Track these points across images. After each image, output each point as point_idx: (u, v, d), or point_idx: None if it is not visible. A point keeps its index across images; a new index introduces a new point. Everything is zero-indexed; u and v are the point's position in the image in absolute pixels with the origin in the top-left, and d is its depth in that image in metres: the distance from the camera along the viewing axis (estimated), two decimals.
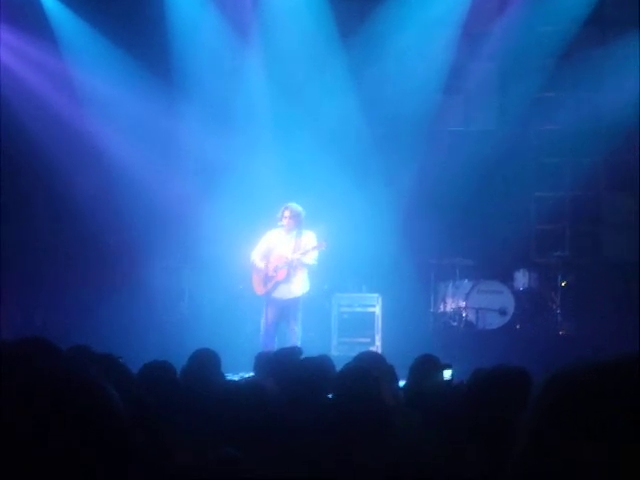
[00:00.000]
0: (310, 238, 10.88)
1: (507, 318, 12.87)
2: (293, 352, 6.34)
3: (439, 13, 13.22)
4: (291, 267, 10.90)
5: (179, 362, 6.06)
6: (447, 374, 5.73)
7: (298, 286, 10.99)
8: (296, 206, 10.93)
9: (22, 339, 3.33)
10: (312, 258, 10.90)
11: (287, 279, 10.94)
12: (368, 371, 4.20)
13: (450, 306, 13.38)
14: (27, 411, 1.57)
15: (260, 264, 11.00)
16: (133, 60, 12.90)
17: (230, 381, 5.71)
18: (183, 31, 13.31)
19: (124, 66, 12.91)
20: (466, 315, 13.06)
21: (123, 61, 12.95)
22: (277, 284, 10.96)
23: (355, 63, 13.25)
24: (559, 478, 1.37)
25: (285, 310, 11.00)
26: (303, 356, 6.24)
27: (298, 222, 10.90)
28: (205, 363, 5.94)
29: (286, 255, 10.91)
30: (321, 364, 5.52)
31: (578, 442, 1.35)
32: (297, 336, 10.90)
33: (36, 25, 12.93)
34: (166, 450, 2.66)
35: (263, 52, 13.50)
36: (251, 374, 6.84)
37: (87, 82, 13.22)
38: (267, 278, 10.97)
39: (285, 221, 10.88)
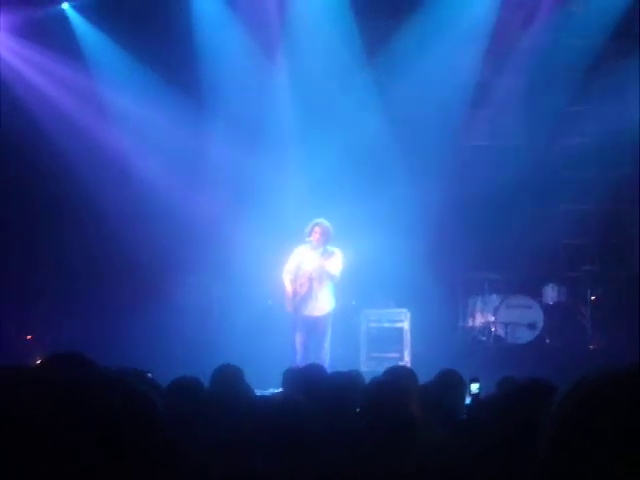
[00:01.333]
0: (335, 253, 10.91)
1: (536, 332, 12.81)
2: (319, 368, 6.35)
3: (465, 28, 13.24)
4: (313, 280, 10.90)
5: (208, 379, 6.08)
6: (474, 387, 5.73)
7: (324, 302, 11.00)
8: (326, 222, 10.96)
9: (58, 354, 3.36)
10: (333, 267, 10.88)
11: (311, 294, 10.94)
12: (396, 383, 4.21)
13: (479, 321, 13.35)
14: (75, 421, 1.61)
15: (289, 281, 11.03)
16: (161, 78, 13.03)
17: (257, 395, 5.73)
18: (210, 48, 13.41)
19: (152, 84, 13.04)
20: (495, 330, 13.02)
21: (151, 79, 13.08)
22: (303, 300, 10.97)
23: (381, 79, 13.29)
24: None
25: (314, 327, 11.00)
26: (331, 371, 6.24)
27: (327, 238, 10.92)
28: (228, 378, 5.95)
29: (309, 270, 10.93)
30: (350, 379, 5.53)
31: (597, 450, 1.36)
32: (326, 352, 10.90)
33: (64, 44, 13.08)
34: (200, 463, 2.69)
35: (289, 69, 13.58)
36: (280, 390, 6.86)
37: (115, 101, 13.36)
38: (294, 294, 11.00)
39: (315, 236, 10.90)
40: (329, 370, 9.59)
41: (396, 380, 4.37)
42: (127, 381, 1.86)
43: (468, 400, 6.09)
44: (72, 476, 1.59)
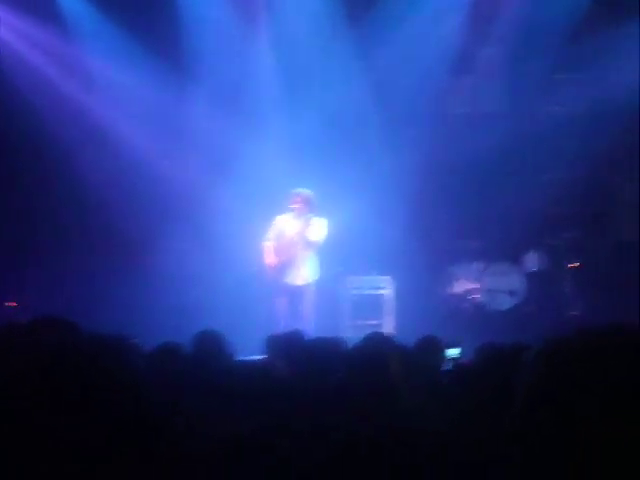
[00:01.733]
0: (319, 221, 10.92)
1: (517, 299, 12.90)
2: (300, 334, 6.39)
3: None
4: (297, 246, 10.92)
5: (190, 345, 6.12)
6: (455, 352, 5.78)
7: (307, 271, 11.03)
8: (306, 191, 10.98)
9: (45, 318, 3.40)
10: (314, 234, 10.89)
11: (294, 262, 10.96)
12: (377, 349, 4.25)
13: (461, 288, 13.42)
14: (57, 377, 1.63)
15: (270, 248, 11.05)
16: (143, 45, 12.96)
17: (238, 360, 5.77)
18: (192, 15, 13.34)
19: (134, 51, 12.97)
20: (476, 296, 13.10)
21: (132, 46, 13.01)
22: (285, 267, 10.99)
23: (363, 47, 13.25)
24: (554, 431, 1.42)
25: (296, 295, 11.04)
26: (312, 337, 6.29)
27: (309, 207, 10.94)
28: (209, 343, 5.99)
29: (292, 238, 10.95)
30: (331, 344, 5.57)
31: (571, 396, 1.40)
32: (309, 321, 10.94)
33: (46, 11, 12.99)
34: (183, 429, 2.73)
35: (271, 35, 13.52)
36: (263, 357, 6.90)
37: (97, 68, 13.30)
38: (277, 263, 11.01)
39: (296, 206, 10.93)
40: (313, 335, 9.68)
41: (376, 346, 4.41)
42: (112, 346, 1.90)
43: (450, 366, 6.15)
44: (57, 439, 1.62)
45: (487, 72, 13.84)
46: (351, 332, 11.78)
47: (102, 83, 13.28)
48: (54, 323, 3.39)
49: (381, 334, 6.63)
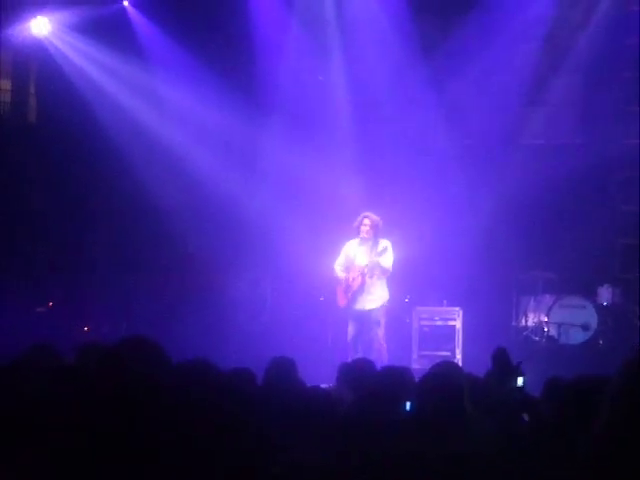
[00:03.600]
0: (386, 245, 10.91)
1: (590, 333, 12.70)
2: (368, 363, 6.39)
3: (522, 26, 13.18)
4: (365, 275, 10.92)
5: (260, 371, 6.16)
6: (520, 381, 5.72)
7: (377, 296, 11.01)
8: (374, 215, 10.99)
9: (126, 339, 3.47)
10: (387, 261, 10.88)
11: (364, 289, 10.95)
12: (451, 379, 4.24)
13: (532, 320, 13.27)
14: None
15: (341, 275, 11.07)
16: (218, 75, 13.16)
17: (308, 387, 5.78)
18: (267, 45, 13.51)
19: (209, 81, 13.18)
20: (548, 330, 12.94)
21: (208, 76, 13.22)
22: (355, 295, 10.99)
23: (437, 76, 13.28)
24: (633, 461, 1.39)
25: (366, 320, 11.02)
26: (381, 367, 6.28)
27: (376, 231, 10.94)
28: (282, 370, 6.03)
29: (361, 264, 10.95)
30: (399, 375, 5.56)
31: None
32: (381, 344, 10.90)
33: (124, 41, 13.28)
34: (249, 452, 2.76)
35: (345, 65, 13.62)
36: (331, 385, 6.91)
37: (174, 97, 13.53)
38: (347, 289, 11.03)
39: (364, 229, 10.92)
40: (387, 362, 9.67)
41: (448, 373, 4.40)
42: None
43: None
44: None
45: (561, 103, 13.74)
46: (420, 362, 11.75)
47: (178, 112, 13.50)
48: (141, 345, 3.46)
49: (450, 362, 6.61)
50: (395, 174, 13.03)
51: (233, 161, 13.44)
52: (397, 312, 11.89)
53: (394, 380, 5.33)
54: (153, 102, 13.48)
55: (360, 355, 10.48)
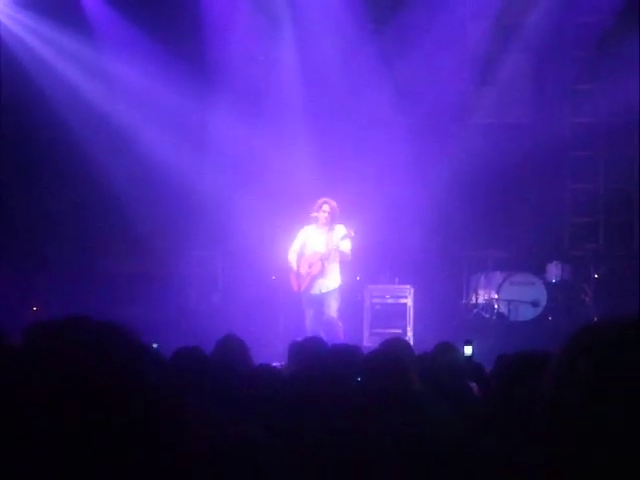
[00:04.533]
0: (341, 231, 10.92)
1: (539, 310, 12.84)
2: (319, 341, 6.40)
3: (473, 3, 13.21)
4: (325, 261, 10.94)
5: (211, 350, 6.13)
6: (468, 350, 5.78)
7: (332, 280, 11.04)
8: (332, 201, 10.98)
9: (69, 317, 3.42)
10: (345, 247, 10.91)
11: (322, 274, 10.98)
12: (396, 355, 4.25)
13: (482, 298, 13.37)
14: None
15: (296, 261, 11.05)
16: (166, 50, 13.02)
17: (258, 366, 5.78)
18: (216, 21, 13.39)
19: (158, 57, 13.04)
20: (498, 307, 13.05)
21: (156, 51, 13.07)
22: (313, 280, 11.00)
23: (388, 54, 13.27)
24: (581, 432, 1.39)
25: (321, 304, 11.04)
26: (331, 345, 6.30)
27: (334, 217, 10.94)
28: (232, 348, 6.02)
29: (319, 250, 10.95)
30: (350, 352, 5.58)
31: (599, 395, 1.38)
32: (337, 325, 10.93)
33: (71, 16, 13.09)
34: (187, 424, 2.74)
35: (296, 42, 13.56)
36: (283, 363, 6.91)
37: (121, 72, 13.37)
38: (303, 275, 11.01)
39: (322, 215, 10.91)
40: (345, 340, 9.70)
41: (394, 351, 4.41)
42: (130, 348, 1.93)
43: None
44: (67, 434, 1.64)
45: (512, 82, 13.80)
46: (371, 340, 11.79)
47: (125, 88, 13.34)
48: (82, 323, 3.42)
49: (399, 338, 6.65)
50: (346, 151, 13.02)
51: (184, 139, 13.34)
52: (349, 290, 11.90)
53: (344, 358, 5.35)
54: (101, 79, 13.31)
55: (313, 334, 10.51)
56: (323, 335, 10.60)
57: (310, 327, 10.96)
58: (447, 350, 5.47)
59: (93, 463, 1.63)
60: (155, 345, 6.17)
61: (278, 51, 13.71)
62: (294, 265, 11.03)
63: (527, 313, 12.87)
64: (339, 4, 13.20)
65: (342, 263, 11.08)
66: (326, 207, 10.90)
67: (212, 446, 2.56)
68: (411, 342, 10.94)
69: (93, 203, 13.55)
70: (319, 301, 11.02)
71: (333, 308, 11.00)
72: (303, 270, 11.00)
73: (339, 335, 10.60)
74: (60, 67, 13.29)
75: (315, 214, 10.90)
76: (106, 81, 13.35)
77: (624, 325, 1.46)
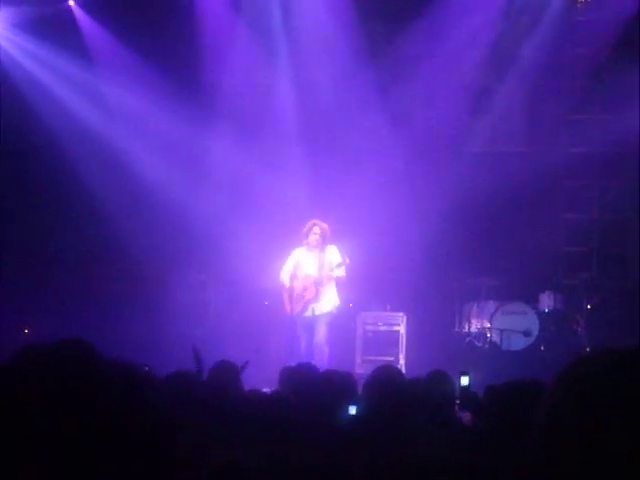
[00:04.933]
0: (334, 252, 10.93)
1: (531, 340, 12.82)
2: (311, 367, 6.39)
3: (468, 34, 13.27)
4: (319, 285, 10.94)
5: (203, 376, 6.11)
6: (464, 380, 5.76)
7: (326, 302, 11.04)
8: (323, 223, 11.01)
9: (60, 340, 3.42)
10: (339, 274, 10.93)
11: (316, 299, 10.98)
12: (391, 383, 4.24)
13: (475, 326, 13.36)
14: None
15: (289, 284, 11.04)
16: (164, 76, 13.07)
17: (249, 392, 5.77)
18: (214, 48, 13.45)
19: (155, 82, 13.08)
20: (490, 336, 13.03)
21: (154, 77, 13.12)
22: (307, 303, 11.00)
23: (383, 82, 13.32)
24: (573, 464, 1.40)
25: (314, 326, 11.04)
26: (323, 371, 6.29)
27: (325, 239, 10.96)
28: (224, 374, 6.01)
29: (313, 274, 10.95)
30: (342, 379, 5.56)
31: (592, 427, 1.38)
32: (325, 348, 10.92)
33: (70, 41, 13.14)
34: (187, 456, 2.73)
35: (291, 69, 13.61)
36: (273, 389, 6.89)
37: (118, 97, 13.40)
38: (297, 298, 11.00)
39: (313, 237, 10.93)
40: (328, 366, 9.67)
41: (388, 378, 4.40)
42: (126, 371, 1.92)
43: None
44: (60, 452, 1.63)
45: (507, 111, 13.85)
46: (363, 367, 11.76)
47: (123, 113, 13.37)
48: (75, 346, 3.41)
49: (391, 366, 6.64)
50: (340, 179, 13.04)
51: (179, 163, 13.35)
52: (341, 317, 11.89)
53: (336, 384, 5.33)
54: (97, 102, 13.34)
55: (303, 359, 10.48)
56: (305, 355, 10.64)
57: (297, 348, 10.94)
58: (440, 379, 5.46)
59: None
60: (146, 368, 6.12)
61: (274, 77, 13.76)
62: (287, 285, 11.02)
63: (519, 342, 12.86)
64: (336, 32, 13.26)
65: (338, 285, 11.09)
66: (316, 229, 10.93)
67: (200, 468, 2.56)
68: (403, 370, 10.93)
69: (87, 226, 13.53)
70: (311, 324, 11.02)
71: (322, 332, 10.99)
72: (297, 293, 10.99)
73: (323, 361, 10.58)
74: (57, 90, 13.32)
75: (305, 241, 10.93)
76: (102, 105, 13.38)
77: (616, 355, 1.47)
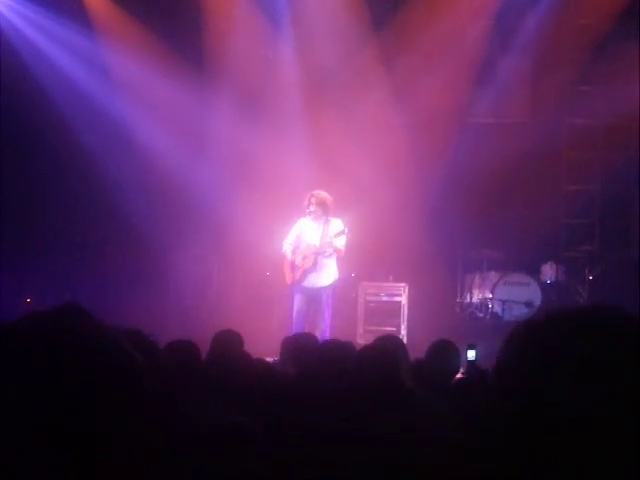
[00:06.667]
0: (337, 225, 10.95)
1: (533, 310, 12.86)
2: (312, 337, 6.42)
3: (472, 4, 13.22)
4: (319, 255, 10.97)
5: (206, 346, 6.15)
6: (471, 354, 5.78)
7: (327, 275, 11.07)
8: (322, 193, 11.02)
9: (56, 306, 3.44)
10: (339, 244, 10.94)
11: (315, 267, 11.00)
12: (388, 352, 4.26)
13: (476, 297, 13.41)
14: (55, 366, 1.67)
15: (290, 253, 11.08)
16: (165, 45, 13.02)
17: (251, 360, 5.81)
18: (217, 17, 13.39)
19: (157, 51, 13.03)
20: (492, 306, 13.08)
21: (156, 45, 13.07)
22: (306, 272, 11.02)
23: (386, 53, 13.27)
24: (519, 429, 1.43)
25: (315, 298, 11.06)
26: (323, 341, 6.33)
27: (325, 209, 10.96)
28: (227, 343, 6.04)
29: (314, 243, 10.98)
30: (342, 349, 5.59)
31: (541, 375, 1.42)
32: (326, 323, 10.97)
33: (71, 8, 13.07)
34: (182, 414, 2.76)
35: (295, 40, 13.57)
36: (276, 359, 6.93)
37: (120, 66, 13.34)
38: (296, 267, 11.04)
39: (312, 208, 10.95)
40: (330, 336, 9.72)
41: (386, 348, 4.42)
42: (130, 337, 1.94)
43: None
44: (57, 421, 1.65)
45: (510, 82, 13.80)
46: (365, 338, 11.80)
47: (125, 83, 13.32)
48: (75, 311, 3.43)
49: (392, 336, 6.66)
50: (343, 149, 13.01)
51: (180, 134, 13.33)
52: (343, 287, 11.92)
53: (336, 354, 5.36)
54: (99, 71, 13.28)
55: (306, 330, 10.52)
56: (308, 327, 10.69)
57: (298, 318, 10.98)
58: (445, 348, 5.48)
59: (75, 444, 1.64)
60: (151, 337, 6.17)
61: (277, 49, 13.72)
62: (288, 255, 11.06)
63: (521, 313, 12.90)
64: (338, 4, 13.21)
65: (338, 260, 11.12)
66: (314, 200, 10.95)
67: (201, 431, 2.58)
68: (405, 340, 10.97)
69: (89, 197, 13.54)
70: (312, 294, 11.05)
71: (323, 303, 11.03)
72: (297, 262, 11.04)
73: (325, 331, 10.65)
74: (58, 59, 13.26)
75: (308, 210, 10.96)
76: (104, 74, 13.33)
77: (564, 314, 1.51)
